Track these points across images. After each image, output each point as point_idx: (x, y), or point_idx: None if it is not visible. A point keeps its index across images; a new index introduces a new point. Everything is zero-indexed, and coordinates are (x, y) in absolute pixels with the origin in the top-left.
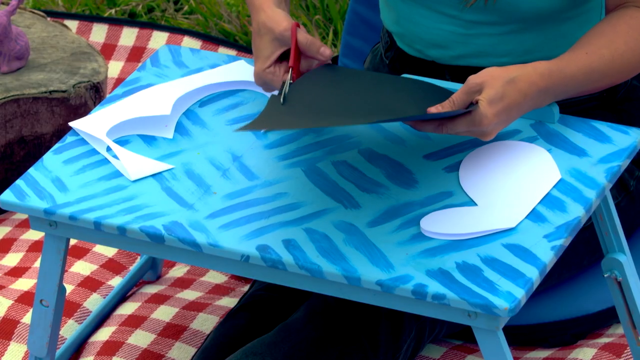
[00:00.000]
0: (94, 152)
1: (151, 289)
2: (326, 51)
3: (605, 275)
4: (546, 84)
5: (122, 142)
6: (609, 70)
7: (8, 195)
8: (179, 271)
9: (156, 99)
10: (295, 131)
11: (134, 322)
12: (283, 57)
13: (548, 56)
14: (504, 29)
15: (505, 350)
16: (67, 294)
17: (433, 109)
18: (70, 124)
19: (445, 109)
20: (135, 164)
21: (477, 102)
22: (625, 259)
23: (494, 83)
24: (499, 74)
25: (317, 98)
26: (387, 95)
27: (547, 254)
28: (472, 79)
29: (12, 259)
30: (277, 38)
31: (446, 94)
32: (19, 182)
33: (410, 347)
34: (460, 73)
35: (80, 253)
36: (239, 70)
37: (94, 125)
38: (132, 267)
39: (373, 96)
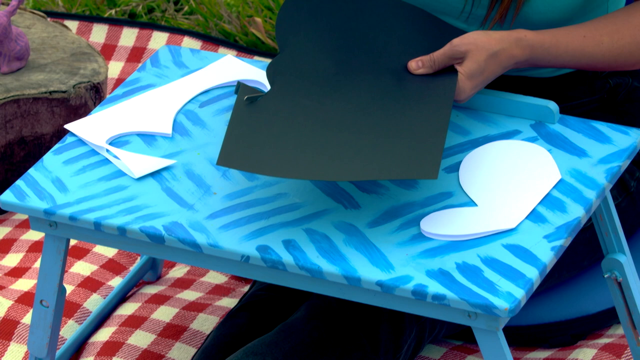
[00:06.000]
0: (94, 152)
1: (151, 290)
2: None
3: (605, 276)
4: (525, 58)
5: (121, 142)
6: (603, 57)
7: (8, 196)
8: (179, 272)
9: (155, 112)
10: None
11: (134, 322)
12: None
13: None
14: None
15: (505, 351)
16: (67, 295)
17: (413, 63)
18: (67, 126)
19: (425, 66)
20: (137, 162)
21: (456, 71)
22: (625, 259)
23: (477, 56)
24: (483, 44)
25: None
26: (379, 37)
27: (547, 255)
28: (457, 46)
29: (12, 260)
30: None
31: (448, 31)
32: (19, 182)
33: (410, 347)
34: None
35: (80, 253)
36: (230, 67)
37: (91, 131)
38: (132, 268)
39: (365, 41)
